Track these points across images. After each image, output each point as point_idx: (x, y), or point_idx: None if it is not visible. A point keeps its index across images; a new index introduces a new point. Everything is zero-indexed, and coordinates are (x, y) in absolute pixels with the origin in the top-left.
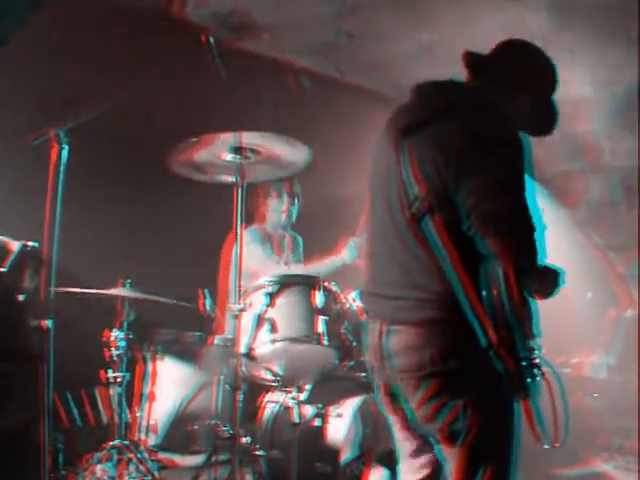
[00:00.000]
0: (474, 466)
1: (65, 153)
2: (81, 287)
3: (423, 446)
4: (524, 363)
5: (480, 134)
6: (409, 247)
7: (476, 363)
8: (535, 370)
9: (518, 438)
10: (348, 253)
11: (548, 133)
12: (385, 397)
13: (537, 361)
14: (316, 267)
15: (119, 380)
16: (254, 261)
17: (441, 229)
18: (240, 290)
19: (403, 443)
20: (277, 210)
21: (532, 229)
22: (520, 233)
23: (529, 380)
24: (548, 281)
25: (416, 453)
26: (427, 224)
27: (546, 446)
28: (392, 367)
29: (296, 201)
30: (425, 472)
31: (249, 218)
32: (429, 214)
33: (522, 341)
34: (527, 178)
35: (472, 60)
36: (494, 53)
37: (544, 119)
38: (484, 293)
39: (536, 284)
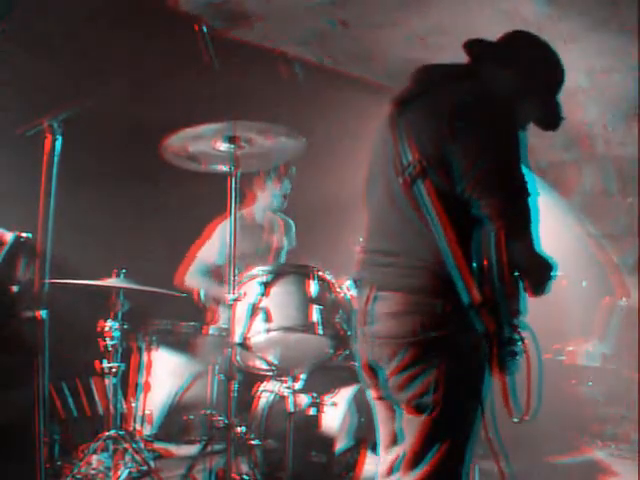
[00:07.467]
0: (431, 440)
1: (59, 144)
2: (75, 278)
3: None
4: (507, 334)
5: (469, 100)
6: (403, 213)
7: (457, 337)
8: (517, 347)
9: (481, 417)
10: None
11: (554, 128)
12: (364, 367)
13: (518, 337)
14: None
15: (114, 370)
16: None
17: (431, 191)
18: (228, 279)
19: (381, 423)
20: (277, 195)
21: (525, 191)
22: (513, 194)
23: (509, 358)
24: (541, 270)
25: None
26: (419, 188)
27: (515, 419)
28: (373, 333)
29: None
30: None
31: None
32: (421, 178)
33: (507, 315)
34: (522, 150)
35: (474, 46)
36: (500, 42)
37: (548, 114)
38: (474, 264)
39: (533, 274)
